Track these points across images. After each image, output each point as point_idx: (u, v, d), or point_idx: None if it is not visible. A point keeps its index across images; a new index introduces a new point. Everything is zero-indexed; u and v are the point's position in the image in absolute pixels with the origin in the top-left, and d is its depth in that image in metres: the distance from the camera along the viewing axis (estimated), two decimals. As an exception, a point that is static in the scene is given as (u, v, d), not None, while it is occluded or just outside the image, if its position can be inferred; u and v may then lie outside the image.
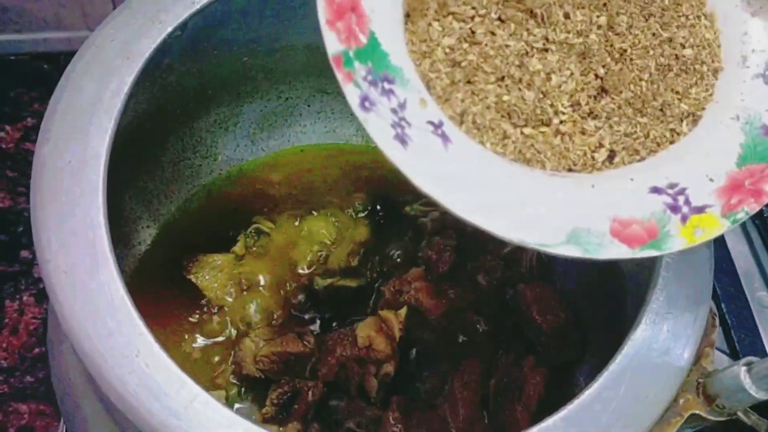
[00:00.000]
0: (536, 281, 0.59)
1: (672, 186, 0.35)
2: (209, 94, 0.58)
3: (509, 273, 0.60)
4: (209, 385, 0.54)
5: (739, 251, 0.71)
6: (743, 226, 0.73)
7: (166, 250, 0.59)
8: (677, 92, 0.37)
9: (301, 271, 0.60)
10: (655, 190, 0.35)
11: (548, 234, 0.33)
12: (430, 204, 0.63)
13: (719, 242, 0.71)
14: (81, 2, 0.85)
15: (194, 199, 0.62)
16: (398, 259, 0.61)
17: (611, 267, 0.53)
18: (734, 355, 0.65)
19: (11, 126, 0.85)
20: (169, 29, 0.42)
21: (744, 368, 0.36)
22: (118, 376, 0.34)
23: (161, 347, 0.34)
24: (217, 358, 0.55)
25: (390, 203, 0.63)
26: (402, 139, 0.32)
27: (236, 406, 0.54)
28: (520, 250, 0.61)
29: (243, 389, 0.54)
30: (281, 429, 0.52)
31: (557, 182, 0.35)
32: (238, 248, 0.59)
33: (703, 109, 0.37)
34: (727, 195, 0.35)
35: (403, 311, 0.56)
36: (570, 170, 0.36)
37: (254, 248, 0.60)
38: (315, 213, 0.62)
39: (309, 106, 0.64)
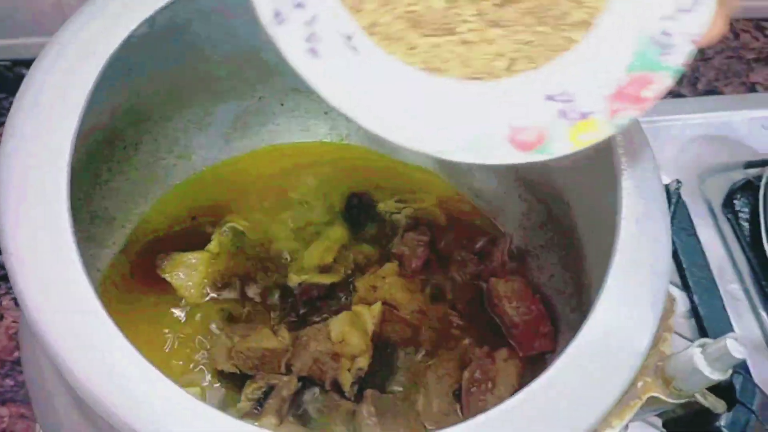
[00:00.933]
0: (508, 275, 0.59)
1: (564, 93, 0.37)
2: (182, 94, 0.58)
3: (482, 267, 0.61)
4: (184, 381, 0.54)
5: (712, 244, 0.73)
6: (714, 219, 0.74)
7: (141, 249, 0.59)
8: (575, 0, 0.38)
9: (275, 268, 0.60)
10: (550, 97, 0.37)
11: (447, 142, 0.35)
12: (404, 200, 0.64)
13: (691, 235, 0.72)
14: (60, 7, 0.85)
15: (169, 199, 0.62)
16: (372, 256, 0.61)
17: (580, 260, 0.54)
18: (707, 347, 0.65)
19: (-9, 131, 0.85)
20: (133, 27, 0.42)
21: (698, 350, 0.36)
22: (84, 369, 0.34)
23: (125, 337, 0.34)
24: (192, 355, 0.55)
25: (364, 200, 0.64)
26: (314, 53, 0.34)
27: (211, 401, 0.54)
28: (492, 245, 0.62)
29: (218, 385, 0.55)
30: (256, 423, 0.52)
31: (461, 90, 0.37)
32: (213, 246, 0.59)
33: (598, 17, 0.38)
34: (612, 101, 0.36)
35: (377, 306, 0.57)
36: (474, 78, 0.37)
37: (229, 246, 0.60)
38: (289, 211, 0.62)
39: (282, 104, 0.64)
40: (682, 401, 0.38)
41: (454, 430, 0.34)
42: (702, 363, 0.36)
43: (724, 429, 0.38)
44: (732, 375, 0.38)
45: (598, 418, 0.36)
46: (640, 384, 0.38)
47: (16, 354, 0.70)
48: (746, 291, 0.71)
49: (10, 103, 0.86)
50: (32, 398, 0.48)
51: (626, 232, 0.41)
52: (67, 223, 0.35)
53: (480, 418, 0.35)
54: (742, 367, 0.49)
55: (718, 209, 0.74)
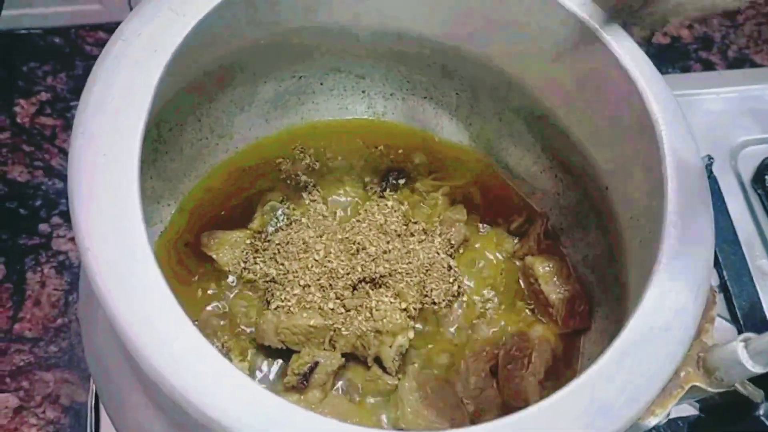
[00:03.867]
0: (544, 254, 0.61)
1: None
2: (227, 77, 0.59)
3: (518, 246, 0.62)
4: (233, 356, 0.56)
5: (741, 219, 0.73)
6: (745, 194, 0.75)
7: (186, 226, 0.61)
8: None
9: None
10: None
11: None
12: (441, 178, 0.65)
13: (722, 211, 0.73)
14: (91, -24, 0.85)
15: (212, 177, 0.63)
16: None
17: (615, 241, 0.55)
18: (735, 322, 0.67)
19: (25, 100, 0.86)
20: (194, 22, 0.43)
21: (741, 344, 0.38)
22: (158, 361, 0.36)
23: (198, 334, 0.36)
24: (238, 331, 0.57)
25: (401, 178, 0.65)
26: None
27: (259, 375, 0.56)
28: (529, 224, 0.63)
29: (265, 360, 0.57)
30: (302, 397, 0.54)
31: None
32: (256, 224, 0.61)
33: None
34: None
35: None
36: None
37: (271, 224, 0.61)
38: (329, 188, 0.64)
39: (322, 84, 0.65)
40: (723, 390, 0.40)
41: (511, 419, 0.36)
42: (745, 356, 0.37)
43: (762, 418, 0.40)
44: (772, 367, 0.39)
45: (643, 408, 0.38)
46: (682, 374, 0.39)
47: (59, 321, 0.73)
48: (776, 267, 0.72)
49: (44, 72, 0.88)
50: (93, 375, 0.50)
51: (671, 227, 0.42)
52: (142, 223, 0.37)
53: (532, 410, 0.36)
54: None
55: (748, 184, 0.75)
